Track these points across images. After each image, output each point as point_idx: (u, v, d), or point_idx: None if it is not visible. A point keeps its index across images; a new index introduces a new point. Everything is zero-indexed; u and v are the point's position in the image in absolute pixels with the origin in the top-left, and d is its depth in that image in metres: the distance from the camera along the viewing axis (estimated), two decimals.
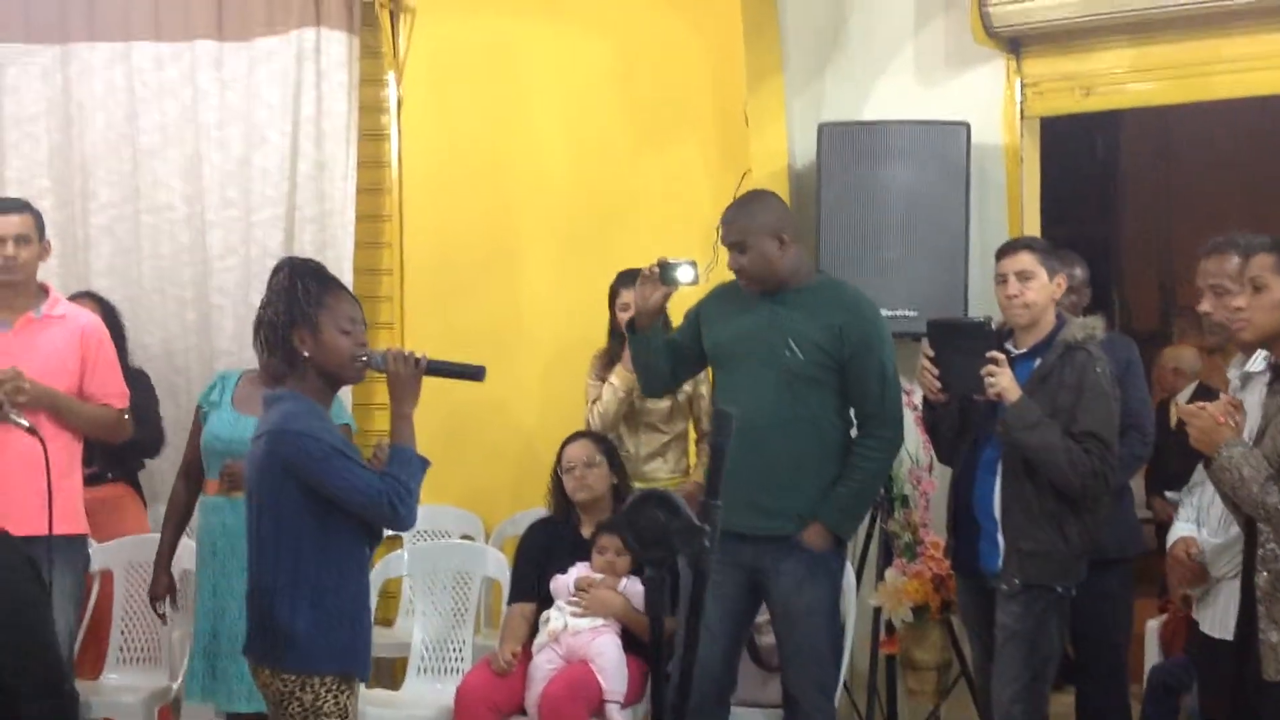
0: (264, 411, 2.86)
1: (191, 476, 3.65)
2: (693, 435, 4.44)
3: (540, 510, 4.37)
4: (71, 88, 5.09)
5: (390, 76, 5.15)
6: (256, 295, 5.02)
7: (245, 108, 5.03)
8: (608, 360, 4.34)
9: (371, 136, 5.13)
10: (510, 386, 4.82)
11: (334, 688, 2.76)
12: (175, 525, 3.66)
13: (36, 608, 1.30)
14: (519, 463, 5.03)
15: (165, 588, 3.62)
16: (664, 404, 4.27)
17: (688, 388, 4.23)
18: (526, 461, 4.99)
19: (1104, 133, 7.79)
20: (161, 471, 4.59)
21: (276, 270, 2.91)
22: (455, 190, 5.11)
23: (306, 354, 2.79)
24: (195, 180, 5.05)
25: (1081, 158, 7.35)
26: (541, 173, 5.06)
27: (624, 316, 4.29)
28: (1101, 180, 8.14)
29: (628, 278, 4.36)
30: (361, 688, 2.91)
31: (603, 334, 4.48)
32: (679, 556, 1.74)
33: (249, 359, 4.94)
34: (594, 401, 4.31)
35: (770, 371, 3.39)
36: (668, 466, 4.33)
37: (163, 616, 3.65)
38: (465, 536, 4.84)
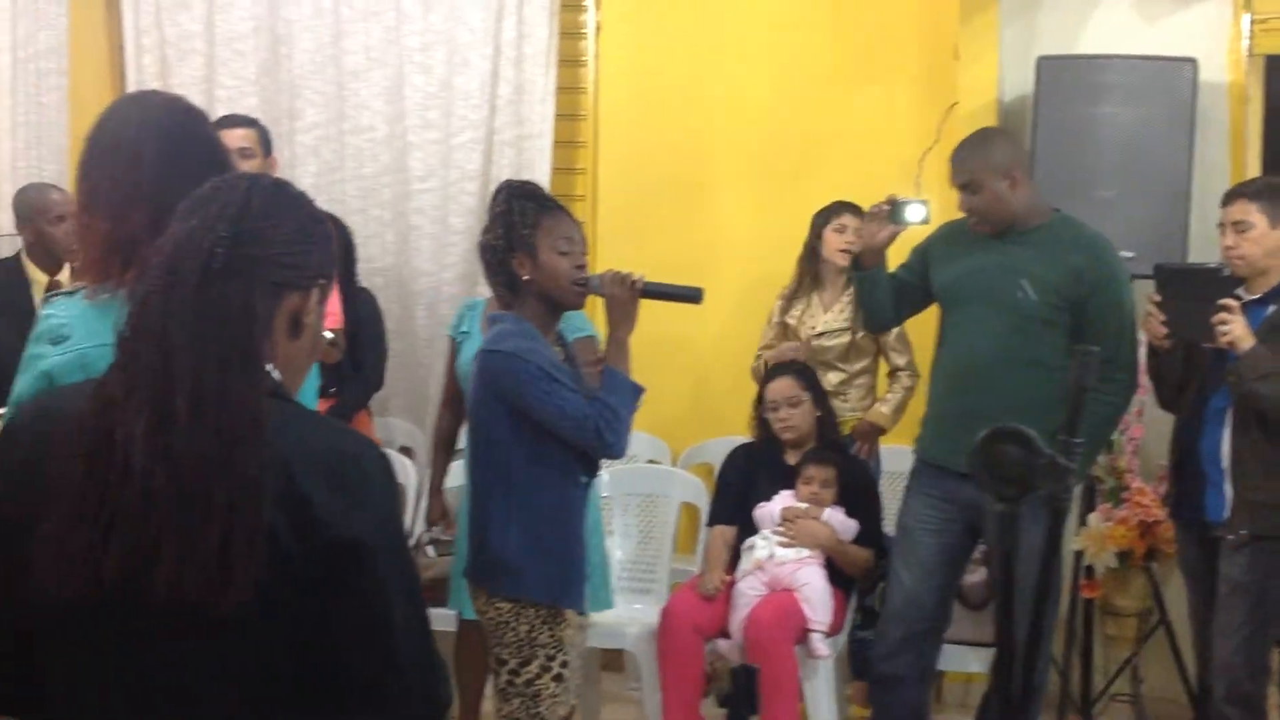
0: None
1: (453, 405, 3.73)
2: (883, 368, 4.40)
3: (728, 439, 4.43)
4: (279, 8, 5.17)
5: (590, 2, 5.15)
6: (455, 218, 5.17)
7: (448, 31, 5.07)
8: (792, 296, 4.36)
9: (569, 62, 5.14)
10: (698, 317, 4.82)
11: (548, 618, 2.72)
12: (444, 453, 3.77)
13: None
14: (703, 392, 5.08)
15: (440, 514, 3.74)
16: (841, 340, 4.26)
17: None
18: (711, 391, 5.05)
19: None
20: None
21: (496, 194, 2.90)
22: (651, 118, 5.09)
23: (526, 277, 2.78)
24: (397, 102, 5.12)
25: None
26: (740, 103, 5.02)
27: (835, 241, 4.27)
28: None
29: (837, 210, 4.34)
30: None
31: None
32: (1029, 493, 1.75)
33: (447, 279, 5.11)
34: (763, 349, 4.36)
35: (1000, 312, 3.35)
36: (848, 405, 4.30)
37: (435, 541, 3.75)
38: (651, 461, 4.92)
